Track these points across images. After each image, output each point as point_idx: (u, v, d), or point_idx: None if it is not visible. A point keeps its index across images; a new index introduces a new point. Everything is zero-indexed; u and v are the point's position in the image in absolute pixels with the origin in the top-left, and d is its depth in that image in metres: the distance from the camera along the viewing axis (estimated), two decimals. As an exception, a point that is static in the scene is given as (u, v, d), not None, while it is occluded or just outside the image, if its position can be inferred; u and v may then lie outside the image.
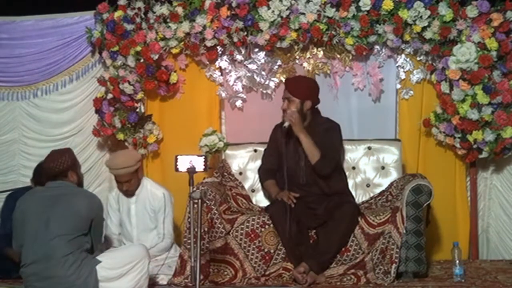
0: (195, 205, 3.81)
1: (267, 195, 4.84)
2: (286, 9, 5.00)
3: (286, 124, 4.52)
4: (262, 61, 5.27)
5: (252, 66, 5.27)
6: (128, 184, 4.57)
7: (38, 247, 3.65)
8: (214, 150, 5.07)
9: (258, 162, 4.92)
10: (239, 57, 5.26)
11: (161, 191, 4.67)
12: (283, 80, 5.13)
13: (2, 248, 4.54)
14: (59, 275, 3.61)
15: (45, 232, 3.64)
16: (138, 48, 5.13)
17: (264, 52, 5.23)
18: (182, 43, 5.21)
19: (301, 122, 4.51)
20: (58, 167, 3.80)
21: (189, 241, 4.23)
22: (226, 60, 5.29)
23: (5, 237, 4.43)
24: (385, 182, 4.86)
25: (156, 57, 5.18)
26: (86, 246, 3.73)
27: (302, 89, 4.61)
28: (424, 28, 4.89)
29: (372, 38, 5.02)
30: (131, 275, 3.77)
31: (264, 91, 5.29)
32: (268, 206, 4.63)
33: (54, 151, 3.91)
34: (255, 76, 5.28)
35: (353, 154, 4.96)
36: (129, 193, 4.64)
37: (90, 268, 3.66)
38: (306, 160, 4.55)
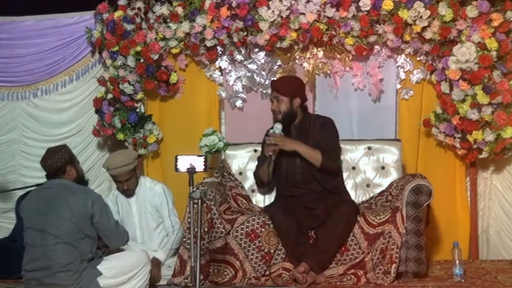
0: (195, 205, 3.80)
1: (262, 174, 4.65)
2: (286, 9, 5.00)
3: (273, 156, 4.44)
4: (262, 61, 5.26)
5: (252, 66, 5.27)
6: (128, 182, 4.58)
7: (37, 256, 3.66)
8: (214, 150, 5.07)
9: (258, 162, 4.94)
10: (239, 57, 5.25)
11: (160, 186, 4.72)
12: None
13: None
14: (59, 284, 3.64)
15: (42, 241, 3.65)
16: (138, 48, 5.14)
17: (264, 52, 5.23)
18: (182, 43, 5.21)
19: (285, 137, 4.48)
20: (56, 163, 3.82)
21: (189, 241, 4.23)
22: (226, 60, 5.29)
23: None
24: (385, 182, 4.86)
25: (156, 57, 5.18)
26: (88, 255, 3.71)
27: (290, 87, 4.61)
28: (424, 28, 4.89)
29: (372, 38, 5.02)
30: (132, 282, 3.81)
31: (264, 91, 5.28)
32: (268, 206, 4.63)
33: (50, 149, 3.92)
34: (255, 76, 5.28)
35: (353, 154, 4.96)
36: (129, 193, 4.64)
37: (90, 279, 3.67)
38: (300, 156, 4.54)
